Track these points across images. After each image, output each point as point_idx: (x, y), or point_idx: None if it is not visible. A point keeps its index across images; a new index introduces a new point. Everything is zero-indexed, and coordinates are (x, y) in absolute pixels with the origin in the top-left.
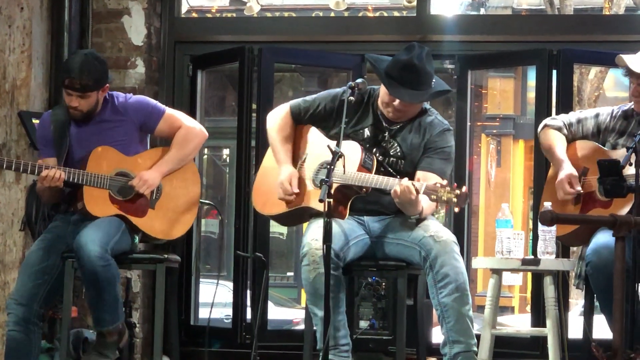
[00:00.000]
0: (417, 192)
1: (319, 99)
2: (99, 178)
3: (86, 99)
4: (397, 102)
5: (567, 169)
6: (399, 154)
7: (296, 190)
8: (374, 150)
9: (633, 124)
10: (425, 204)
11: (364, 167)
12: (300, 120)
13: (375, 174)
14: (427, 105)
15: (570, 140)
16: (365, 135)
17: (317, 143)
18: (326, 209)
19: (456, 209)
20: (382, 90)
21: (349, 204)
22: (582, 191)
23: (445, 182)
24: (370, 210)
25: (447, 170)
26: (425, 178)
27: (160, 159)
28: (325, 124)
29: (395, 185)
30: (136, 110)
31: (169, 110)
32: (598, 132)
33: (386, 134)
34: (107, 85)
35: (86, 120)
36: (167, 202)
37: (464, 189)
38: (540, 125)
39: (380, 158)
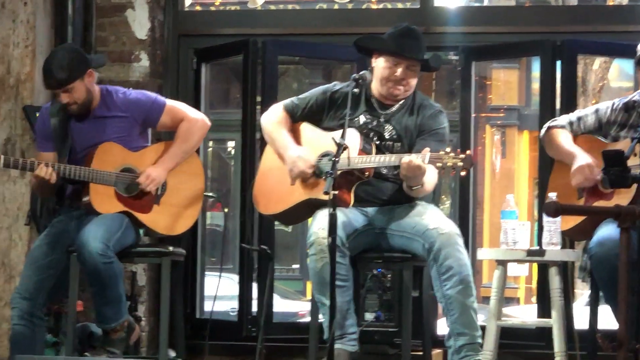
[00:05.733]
0: (423, 161)
1: (309, 95)
2: (106, 175)
3: (72, 92)
4: (399, 71)
5: (584, 157)
6: (394, 136)
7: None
8: (371, 135)
9: (634, 116)
10: (427, 177)
11: (363, 151)
12: (294, 117)
13: None
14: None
15: (573, 137)
16: (361, 122)
17: (312, 135)
18: (331, 201)
19: (463, 173)
20: (380, 67)
21: (353, 191)
22: (599, 178)
23: (449, 149)
24: (373, 201)
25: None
26: None
27: (165, 154)
28: (318, 117)
29: (399, 160)
30: (137, 107)
31: (170, 102)
32: (600, 126)
33: (381, 118)
34: (90, 70)
35: (85, 114)
36: (171, 198)
37: (468, 152)
38: (543, 129)
39: (377, 142)
